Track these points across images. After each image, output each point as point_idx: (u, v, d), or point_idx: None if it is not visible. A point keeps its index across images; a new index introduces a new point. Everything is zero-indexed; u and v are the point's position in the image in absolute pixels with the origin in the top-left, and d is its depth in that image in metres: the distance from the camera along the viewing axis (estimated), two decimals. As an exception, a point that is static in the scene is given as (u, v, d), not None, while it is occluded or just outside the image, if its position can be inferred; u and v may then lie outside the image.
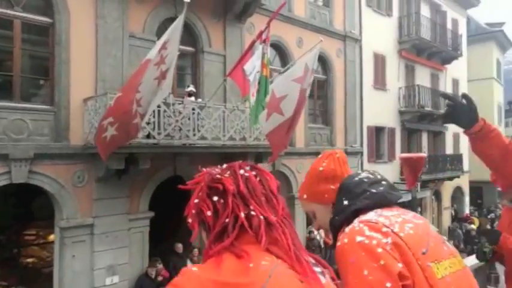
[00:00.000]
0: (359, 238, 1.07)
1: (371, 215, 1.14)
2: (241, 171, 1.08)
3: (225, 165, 1.12)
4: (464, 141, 22.53)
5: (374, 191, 1.22)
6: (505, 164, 1.72)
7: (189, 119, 8.45)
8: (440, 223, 19.49)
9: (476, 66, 25.96)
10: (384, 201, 1.20)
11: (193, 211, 1.05)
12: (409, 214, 1.19)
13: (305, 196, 1.42)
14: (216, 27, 10.59)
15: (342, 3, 14.66)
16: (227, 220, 0.99)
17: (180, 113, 8.31)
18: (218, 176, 1.05)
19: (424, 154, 7.20)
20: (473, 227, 17.29)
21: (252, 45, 7.85)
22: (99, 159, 7.29)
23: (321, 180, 1.37)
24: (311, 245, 12.43)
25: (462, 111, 1.68)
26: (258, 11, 11.05)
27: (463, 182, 21.85)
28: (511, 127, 51.26)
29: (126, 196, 8.72)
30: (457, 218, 19.77)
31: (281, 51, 12.49)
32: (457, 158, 19.59)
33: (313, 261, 1.06)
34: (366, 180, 1.26)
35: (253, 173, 1.09)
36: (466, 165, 21.15)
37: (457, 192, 21.62)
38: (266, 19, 11.15)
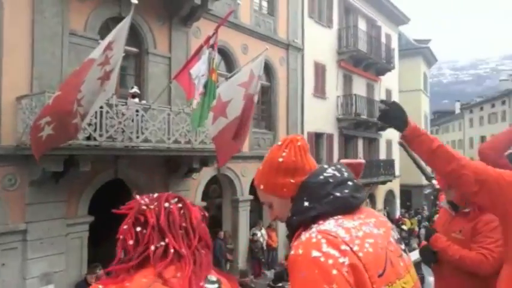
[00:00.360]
0: (315, 253, 1.02)
1: (331, 225, 1.08)
2: (166, 204, 1.16)
3: (156, 195, 1.20)
4: (396, 148, 24.12)
5: (338, 194, 1.13)
6: (433, 167, 1.83)
7: (132, 120, 8.28)
8: (374, 225, 20.67)
9: (406, 78, 27.92)
10: (347, 207, 1.13)
11: (121, 236, 1.15)
12: (371, 221, 1.14)
13: (262, 187, 1.28)
14: (162, 30, 10.49)
15: (286, 13, 15.15)
16: (141, 249, 1.11)
17: (123, 114, 8.12)
18: (144, 207, 1.14)
19: (363, 160, 7.56)
20: (405, 227, 18.54)
21: (199, 49, 7.90)
22: (34, 162, 6.90)
23: (279, 172, 1.22)
24: (254, 247, 12.63)
25: (395, 115, 1.77)
26: (205, 15, 11.11)
27: (395, 185, 23.35)
28: (435, 134, 55.72)
29: (64, 200, 8.32)
30: (390, 220, 21.02)
31: (227, 57, 12.64)
32: (389, 163, 20.91)
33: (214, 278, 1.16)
34: (331, 180, 1.16)
35: (179, 205, 1.18)
36: (397, 170, 22.63)
37: (389, 195, 23.06)
38: (213, 24, 11.31)
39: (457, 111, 55.85)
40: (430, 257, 2.64)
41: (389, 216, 22.12)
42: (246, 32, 13.25)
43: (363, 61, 19.69)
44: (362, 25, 20.27)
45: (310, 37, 16.27)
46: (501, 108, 42.27)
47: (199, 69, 7.62)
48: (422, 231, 16.60)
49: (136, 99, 8.81)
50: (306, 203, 1.15)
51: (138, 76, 10.18)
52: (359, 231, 1.08)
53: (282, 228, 14.35)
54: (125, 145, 8.18)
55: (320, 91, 16.90)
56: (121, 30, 6.46)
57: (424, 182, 28.69)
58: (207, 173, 11.43)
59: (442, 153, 1.74)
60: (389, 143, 22.75)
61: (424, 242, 2.87)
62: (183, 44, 10.99)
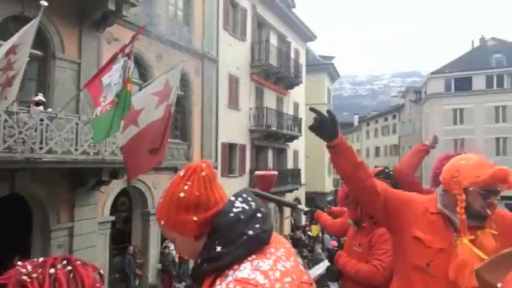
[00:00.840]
0: None
1: (248, 270, 1.01)
2: (52, 270, 1.02)
3: (41, 259, 1.06)
4: (302, 158, 25.51)
5: (251, 233, 1.05)
6: (353, 179, 1.86)
7: (35, 130, 7.64)
8: (282, 232, 21.50)
9: (312, 92, 29.67)
10: (261, 244, 1.07)
11: None
12: (282, 254, 1.09)
13: (162, 222, 1.16)
14: (71, 33, 9.84)
15: (201, 24, 15.22)
16: None
17: (25, 123, 7.46)
18: (24, 277, 1.01)
19: (275, 172, 7.96)
20: (311, 234, 19.63)
21: (114, 57, 7.59)
22: None
23: (180, 208, 1.11)
24: (165, 260, 12.36)
25: (325, 125, 1.76)
26: (119, 22, 10.69)
27: (301, 193, 24.62)
28: (337, 145, 59.95)
29: None
30: (296, 226, 22.11)
31: (140, 65, 12.28)
32: (296, 173, 22.02)
33: None
34: (242, 217, 1.08)
35: (68, 268, 1.03)
36: (303, 179, 23.91)
37: (295, 201, 24.23)
38: (127, 31, 10.97)
39: (356, 123, 60.81)
40: (334, 275, 2.76)
41: (296, 223, 23.26)
42: (160, 41, 13.02)
43: (274, 75, 20.54)
44: (273, 40, 21.18)
45: (225, 49, 16.54)
46: (392, 121, 47.06)
47: (111, 77, 7.34)
48: (327, 236, 17.72)
49: (41, 107, 8.15)
50: (219, 248, 1.04)
51: (43, 82, 9.40)
52: (276, 271, 1.01)
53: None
54: (25, 157, 7.50)
55: (234, 102, 17.23)
56: (27, 33, 5.98)
57: (327, 189, 30.71)
58: (116, 186, 10.92)
59: (363, 168, 1.84)
60: (296, 154, 23.96)
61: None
62: (94, 49, 10.43)
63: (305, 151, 25.77)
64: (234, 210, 1.09)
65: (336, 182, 49.86)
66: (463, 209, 1.68)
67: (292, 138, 21.96)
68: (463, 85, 34.28)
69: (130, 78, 7.20)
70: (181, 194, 1.10)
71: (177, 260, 12.75)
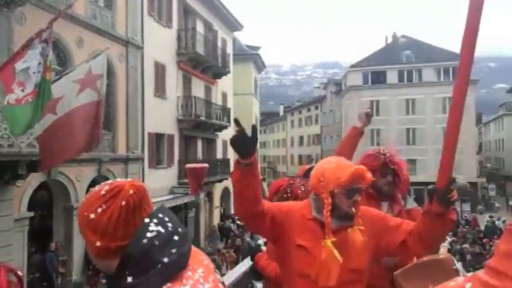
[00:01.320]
0: None
1: None
2: None
3: None
4: (231, 148, 25.73)
5: (166, 260, 0.98)
6: (250, 194, 1.77)
7: None
8: (211, 221, 21.61)
9: (239, 82, 29.92)
10: (177, 271, 1.00)
11: None
12: (200, 275, 1.04)
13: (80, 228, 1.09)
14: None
15: (125, 8, 14.56)
16: None
17: None
18: None
19: (206, 164, 7.99)
20: (239, 222, 19.98)
21: (29, 42, 7.02)
22: None
23: (88, 228, 1.03)
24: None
25: (245, 141, 1.68)
26: (31, 1, 9.86)
27: (230, 183, 24.86)
28: (263, 134, 61.35)
29: None
30: (226, 216, 22.35)
31: (59, 50, 11.45)
32: (225, 162, 22.17)
33: None
34: (156, 242, 0.99)
35: None
36: (232, 168, 24.15)
37: (225, 192, 24.46)
38: (41, 12, 10.19)
39: (281, 113, 62.58)
40: (257, 274, 2.76)
41: (226, 212, 23.52)
42: (81, 24, 12.24)
43: (201, 64, 20.34)
44: (200, 28, 20.92)
45: (150, 36, 16.01)
46: (315, 112, 49.21)
47: (27, 64, 6.81)
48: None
49: None
50: (130, 279, 0.96)
51: None
52: None
53: (121, 232, 13.82)
54: None
55: (161, 91, 16.81)
56: None
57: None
58: (34, 179, 10.17)
59: (260, 186, 1.84)
60: (225, 144, 24.11)
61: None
62: (4, 31, 9.51)
63: (233, 141, 26.02)
64: (148, 235, 1.00)
65: (263, 170, 50.95)
66: (329, 212, 1.76)
67: (221, 128, 22.03)
68: (379, 78, 36.90)
69: (49, 67, 6.74)
70: (92, 215, 1.01)
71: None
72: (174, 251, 1.00)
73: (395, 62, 36.51)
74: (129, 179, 1.08)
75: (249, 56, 33.51)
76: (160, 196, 16.09)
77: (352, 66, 39.38)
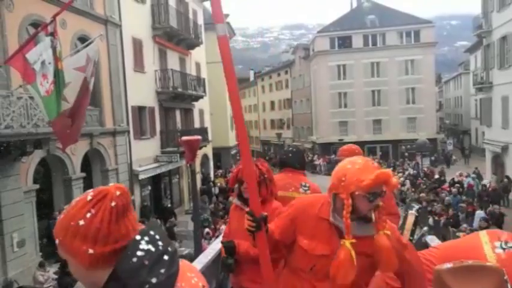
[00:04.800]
0: None
1: None
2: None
3: None
4: (207, 116, 26.85)
5: (154, 281, 0.97)
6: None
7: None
8: (195, 186, 23.03)
9: (210, 50, 30.48)
10: None
11: None
12: None
13: (57, 241, 1.03)
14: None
15: (101, -13, 15.05)
16: None
17: None
18: None
19: (199, 137, 9.27)
20: (219, 185, 21.53)
21: (35, 34, 7.93)
22: None
23: (77, 236, 0.98)
24: None
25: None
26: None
27: (208, 150, 26.19)
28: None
29: None
30: (206, 180, 23.78)
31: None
32: (204, 130, 23.35)
33: None
34: (146, 262, 0.98)
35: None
36: (210, 136, 25.41)
37: (204, 158, 25.80)
38: (29, -1, 10.84)
39: (252, 78, 63.26)
40: (230, 268, 2.78)
41: (205, 176, 24.94)
42: (60, 5, 12.78)
43: (175, 37, 21.02)
44: (172, 1, 21.38)
45: (127, 13, 16.58)
46: (285, 77, 50.35)
47: (38, 54, 7.73)
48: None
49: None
50: None
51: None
52: None
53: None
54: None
55: (139, 66, 17.59)
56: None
57: (231, 143, 32.77)
58: (36, 155, 11.16)
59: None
60: (201, 112, 25.20)
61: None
62: (-3, 18, 10.17)
63: (209, 109, 27.10)
64: (138, 254, 0.99)
65: (236, 136, 52.13)
66: (349, 214, 1.74)
67: (197, 98, 23.03)
68: (344, 43, 38.27)
69: (59, 57, 7.69)
70: (81, 222, 0.98)
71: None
72: (163, 271, 0.99)
73: (360, 27, 37.85)
74: (111, 184, 1.07)
75: (219, 24, 33.86)
76: (147, 165, 17.31)
77: (319, 31, 40.54)
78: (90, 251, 0.98)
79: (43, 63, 7.39)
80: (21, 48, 8.12)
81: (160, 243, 1.03)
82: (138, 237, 1.02)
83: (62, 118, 8.27)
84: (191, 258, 6.22)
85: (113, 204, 1.00)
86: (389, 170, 1.80)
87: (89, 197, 1.01)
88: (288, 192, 3.16)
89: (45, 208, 12.07)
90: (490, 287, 1.04)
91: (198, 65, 25.40)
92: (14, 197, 10.20)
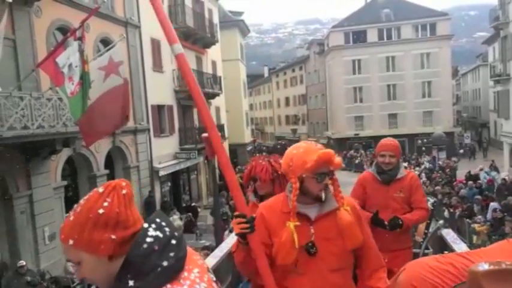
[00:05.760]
0: None
1: None
2: None
3: None
4: (223, 113, 27.31)
5: (165, 264, 1.03)
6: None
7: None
8: (211, 181, 23.50)
9: (226, 49, 30.97)
10: (176, 272, 1.05)
11: None
12: (196, 275, 1.09)
13: (71, 242, 1.06)
14: (1, 10, 10.07)
15: (120, -10, 15.59)
16: None
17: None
18: None
19: (219, 133, 9.71)
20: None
21: (64, 40, 8.45)
22: None
23: (97, 226, 1.05)
24: None
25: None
26: (45, -5, 11.05)
27: (225, 146, 26.65)
28: (250, 97, 62.52)
29: None
30: (222, 176, 24.24)
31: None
32: (220, 127, 23.80)
33: None
34: (156, 247, 1.05)
35: None
36: (226, 133, 25.89)
37: (221, 155, 26.27)
38: (54, 3, 11.41)
39: (266, 74, 63.52)
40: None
41: (221, 171, 25.42)
42: (85, 10, 13.35)
43: (192, 36, 21.48)
44: (188, 1, 21.84)
45: (145, 14, 17.09)
46: (299, 72, 50.50)
47: (66, 58, 8.26)
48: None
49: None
50: (131, 282, 1.01)
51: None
52: None
53: (137, 196, 15.63)
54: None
55: (158, 65, 18.12)
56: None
57: (247, 140, 33.22)
58: (64, 153, 11.76)
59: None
60: (218, 110, 25.66)
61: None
62: (26, 25, 10.76)
63: (225, 106, 27.57)
64: (148, 240, 1.06)
65: (251, 132, 52.64)
66: (296, 196, 1.81)
67: (213, 95, 23.49)
68: (359, 37, 38.19)
69: (86, 61, 8.20)
70: (101, 211, 1.05)
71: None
72: (172, 254, 1.05)
73: (374, 21, 37.71)
74: (116, 180, 1.14)
75: (233, 22, 34.32)
76: (166, 161, 17.86)
77: (334, 26, 40.52)
78: (113, 236, 1.04)
79: (70, 66, 7.90)
80: (52, 53, 8.67)
81: (167, 229, 1.10)
82: (146, 225, 1.10)
83: (87, 116, 8.83)
84: (213, 249, 6.66)
85: (124, 191, 1.09)
86: (331, 150, 1.83)
87: (101, 190, 1.10)
88: None
89: (72, 204, 12.62)
90: None
91: (214, 63, 25.86)
92: (44, 193, 10.82)
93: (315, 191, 1.81)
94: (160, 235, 1.08)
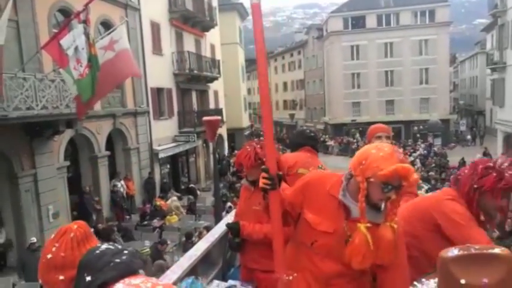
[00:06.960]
0: None
1: (120, 286, 1.06)
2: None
3: None
4: (222, 97, 27.48)
5: (118, 260, 1.11)
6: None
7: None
8: (209, 164, 23.86)
9: (224, 32, 30.88)
10: (130, 270, 1.11)
11: None
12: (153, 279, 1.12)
13: (41, 281, 1.27)
14: (4, -9, 10.16)
15: (120, -28, 15.57)
16: None
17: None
18: None
19: (219, 117, 9.97)
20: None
21: (68, 22, 8.61)
22: None
23: (49, 269, 1.21)
24: (115, 196, 14.01)
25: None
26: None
27: (223, 130, 26.91)
28: (248, 81, 62.38)
29: None
30: (222, 159, 24.58)
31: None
32: (218, 112, 23.96)
33: None
34: (108, 251, 1.13)
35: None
36: (224, 117, 26.08)
37: (219, 138, 26.48)
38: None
39: (264, 59, 63.12)
40: (236, 247, 2.87)
41: (220, 156, 25.74)
42: (85, -8, 13.42)
43: (191, 19, 21.50)
44: (187, -16, 21.78)
45: (145, -4, 17.12)
46: (297, 57, 50.39)
47: (71, 41, 8.42)
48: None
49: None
50: (88, 278, 1.09)
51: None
52: (147, 283, 1.06)
53: (136, 177, 15.95)
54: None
55: (157, 48, 18.20)
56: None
57: (244, 124, 33.44)
58: (66, 134, 11.99)
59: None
60: (216, 94, 25.82)
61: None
62: (28, 6, 10.85)
63: (224, 90, 27.70)
64: (100, 249, 1.14)
65: (249, 117, 52.81)
66: (364, 197, 1.70)
67: (212, 79, 23.62)
68: (358, 23, 38.12)
69: (92, 43, 8.36)
70: (49, 256, 1.20)
71: (125, 195, 14.46)
72: (125, 257, 1.13)
73: (373, 7, 37.60)
74: (71, 223, 1.30)
75: (232, 5, 34.13)
76: (165, 144, 18.13)
77: (333, 12, 40.38)
78: (61, 277, 1.19)
79: (76, 48, 8.07)
80: (56, 35, 8.83)
81: (119, 246, 1.19)
82: (98, 245, 1.20)
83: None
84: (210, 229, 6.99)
85: (72, 235, 1.23)
86: (410, 166, 1.69)
87: (53, 235, 1.24)
88: (307, 170, 3.04)
89: (74, 184, 12.97)
90: (499, 276, 0.99)
91: (212, 47, 25.88)
92: (48, 172, 11.09)
93: (375, 199, 1.73)
94: (113, 248, 1.16)
